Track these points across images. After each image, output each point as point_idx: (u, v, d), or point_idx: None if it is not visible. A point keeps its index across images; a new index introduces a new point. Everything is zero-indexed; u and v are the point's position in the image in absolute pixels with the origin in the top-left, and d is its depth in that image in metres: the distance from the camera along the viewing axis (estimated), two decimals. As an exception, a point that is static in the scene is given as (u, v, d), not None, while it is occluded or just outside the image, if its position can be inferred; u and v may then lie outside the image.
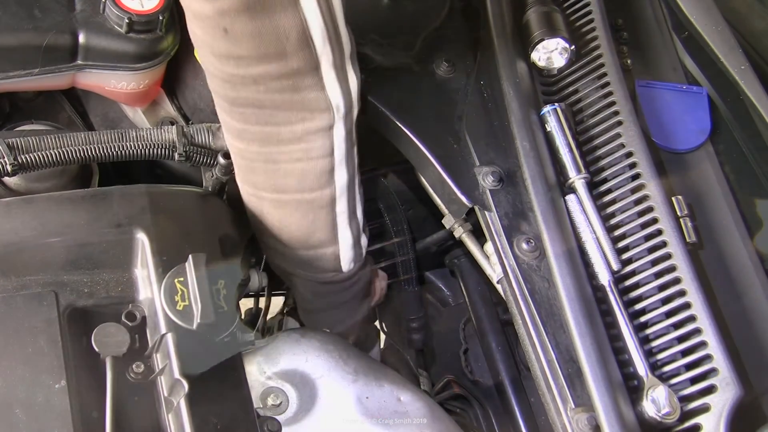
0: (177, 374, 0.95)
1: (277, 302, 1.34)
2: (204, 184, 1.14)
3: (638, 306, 0.99)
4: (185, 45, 1.20)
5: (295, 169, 1.00)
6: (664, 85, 1.23)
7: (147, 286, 0.98)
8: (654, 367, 0.95)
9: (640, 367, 0.93)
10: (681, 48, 1.29)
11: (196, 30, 0.90)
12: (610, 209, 1.06)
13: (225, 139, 1.06)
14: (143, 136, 1.08)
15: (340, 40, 0.92)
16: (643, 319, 0.98)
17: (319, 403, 1.04)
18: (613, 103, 1.12)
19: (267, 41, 0.87)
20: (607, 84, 1.14)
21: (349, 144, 1.01)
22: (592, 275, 1.00)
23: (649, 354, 0.96)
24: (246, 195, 1.08)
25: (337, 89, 0.94)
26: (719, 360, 0.93)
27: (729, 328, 0.98)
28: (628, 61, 1.25)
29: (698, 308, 0.96)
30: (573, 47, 1.15)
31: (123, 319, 0.98)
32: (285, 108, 0.95)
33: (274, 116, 0.95)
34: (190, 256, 0.97)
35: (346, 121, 0.98)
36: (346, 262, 1.10)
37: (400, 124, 1.08)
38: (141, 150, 1.07)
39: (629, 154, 1.08)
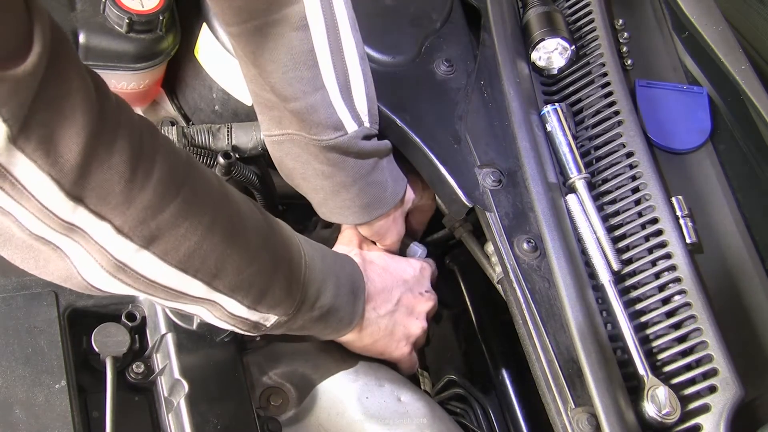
0: (177, 374, 0.96)
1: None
2: (204, 184, 1.14)
3: (638, 306, 0.99)
4: (185, 45, 1.20)
5: None
6: (664, 85, 1.23)
7: (147, 286, 0.98)
8: (654, 367, 0.94)
9: (640, 367, 0.93)
10: (681, 48, 1.28)
11: None
12: (610, 209, 1.06)
13: None
14: (143, 136, 1.08)
15: None
16: (643, 319, 0.98)
17: (319, 403, 1.03)
18: (613, 103, 1.12)
19: None
20: (607, 84, 1.14)
21: None
22: (592, 275, 1.00)
23: (649, 354, 0.95)
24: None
25: None
26: (719, 360, 0.92)
27: (729, 328, 0.98)
28: (628, 61, 1.25)
29: (698, 308, 0.96)
30: (573, 47, 1.16)
31: (123, 319, 0.98)
32: None
33: None
34: (190, 256, 0.96)
35: None
36: (344, 114, 0.99)
37: (400, 124, 1.08)
38: (141, 150, 1.07)
39: (629, 154, 1.08)
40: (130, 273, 0.73)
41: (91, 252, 0.70)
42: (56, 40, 0.64)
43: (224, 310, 0.84)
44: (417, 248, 1.21)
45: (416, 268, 1.13)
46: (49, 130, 0.62)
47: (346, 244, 1.11)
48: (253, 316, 0.86)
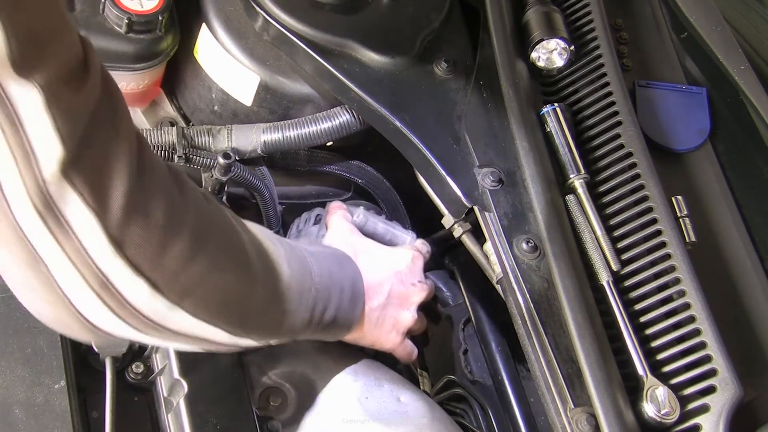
0: (176, 374, 0.96)
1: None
2: (203, 185, 1.14)
3: (638, 306, 0.99)
4: (185, 45, 1.20)
5: None
6: (663, 85, 1.23)
7: (146, 286, 0.98)
8: (653, 367, 0.94)
9: (640, 367, 0.93)
10: (681, 48, 1.29)
11: None
12: (609, 209, 1.05)
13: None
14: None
15: None
16: (642, 319, 0.98)
17: (319, 403, 1.04)
18: (612, 104, 1.12)
19: None
20: (606, 84, 1.14)
21: None
22: (591, 275, 1.00)
23: (648, 354, 0.95)
24: None
25: None
26: (719, 360, 0.92)
27: (729, 328, 0.98)
28: (628, 62, 1.25)
29: (698, 308, 0.96)
30: (572, 47, 1.15)
31: (122, 319, 0.98)
32: None
33: None
34: (189, 257, 0.96)
35: None
36: None
37: (399, 125, 1.08)
38: (140, 150, 1.07)
39: (629, 155, 1.08)
40: (162, 330, 0.72)
41: (125, 317, 0.68)
42: (108, 79, 0.64)
43: (239, 347, 0.84)
44: (405, 236, 1.18)
45: (408, 258, 1.11)
46: (98, 167, 0.62)
47: (337, 236, 1.11)
48: (263, 342, 0.87)
